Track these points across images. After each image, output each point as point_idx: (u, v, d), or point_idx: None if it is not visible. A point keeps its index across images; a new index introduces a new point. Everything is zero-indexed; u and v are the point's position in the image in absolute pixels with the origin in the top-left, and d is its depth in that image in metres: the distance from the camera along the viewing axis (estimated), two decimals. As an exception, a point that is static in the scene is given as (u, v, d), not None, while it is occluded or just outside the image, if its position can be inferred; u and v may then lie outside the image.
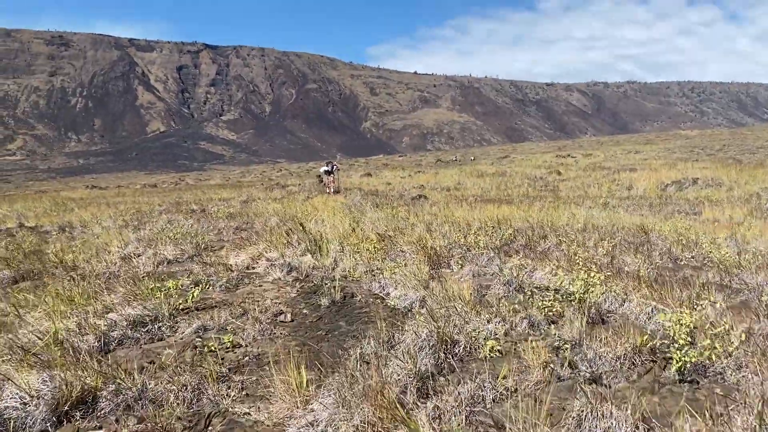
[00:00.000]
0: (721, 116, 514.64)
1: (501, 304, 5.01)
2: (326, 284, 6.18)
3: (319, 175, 36.04)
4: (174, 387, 3.75)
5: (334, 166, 28.91)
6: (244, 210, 18.31)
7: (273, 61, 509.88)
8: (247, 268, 7.59)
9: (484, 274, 6.62)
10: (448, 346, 4.20)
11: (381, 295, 5.95)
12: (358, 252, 7.47)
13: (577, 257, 6.50)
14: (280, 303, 5.60)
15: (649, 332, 4.28)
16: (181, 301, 5.47)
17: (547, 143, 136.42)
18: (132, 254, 8.41)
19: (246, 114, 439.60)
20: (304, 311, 5.36)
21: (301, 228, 8.36)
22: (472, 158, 72.94)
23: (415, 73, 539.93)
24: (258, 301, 5.64)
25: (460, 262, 7.13)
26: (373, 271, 6.84)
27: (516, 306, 5.01)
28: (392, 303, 5.49)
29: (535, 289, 5.69)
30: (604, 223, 12.94)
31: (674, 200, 21.58)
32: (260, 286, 6.50)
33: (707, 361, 3.78)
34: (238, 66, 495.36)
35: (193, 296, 5.54)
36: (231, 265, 7.61)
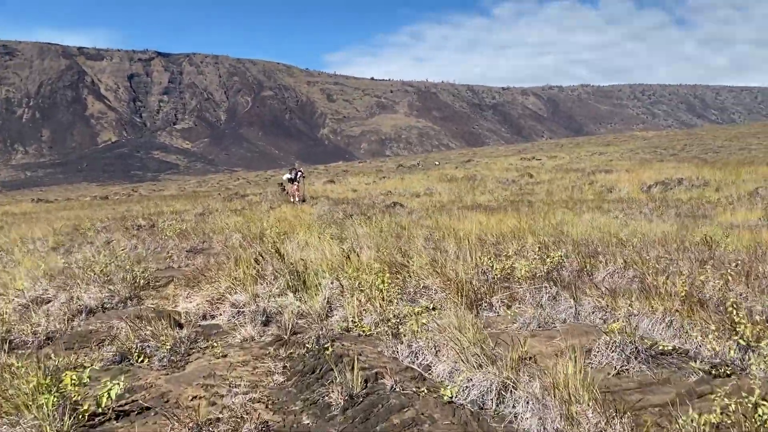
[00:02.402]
0: (671, 118, 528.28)
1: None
2: (327, 349, 4.04)
3: (281, 183, 33.66)
4: None
5: (298, 173, 26.53)
6: (200, 225, 15.89)
7: (227, 69, 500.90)
8: (204, 317, 5.38)
9: (552, 321, 4.58)
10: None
11: (419, 370, 3.84)
12: (360, 288, 5.33)
13: (678, 291, 4.52)
14: (259, 401, 3.41)
15: None
16: (86, 407, 3.23)
17: (506, 147, 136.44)
18: (39, 300, 6.05)
19: (201, 122, 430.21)
20: (306, 421, 3.19)
21: (276, 254, 6.16)
22: (437, 163, 71.38)
23: (372, 79, 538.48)
24: (222, 395, 3.44)
25: (506, 300, 5.06)
26: (389, 320, 4.72)
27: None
28: (448, 393, 3.38)
29: (659, 355, 3.66)
30: (635, 234, 11.09)
31: (671, 202, 20.07)
32: (224, 356, 4.31)
33: None
34: (191, 74, 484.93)
35: (108, 396, 3.28)
36: (180, 313, 5.38)
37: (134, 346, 4.30)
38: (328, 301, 5.32)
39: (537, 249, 6.90)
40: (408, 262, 6.25)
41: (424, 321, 4.41)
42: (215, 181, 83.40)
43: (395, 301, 5.12)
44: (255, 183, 61.89)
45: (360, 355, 3.93)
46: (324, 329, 4.53)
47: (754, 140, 62.36)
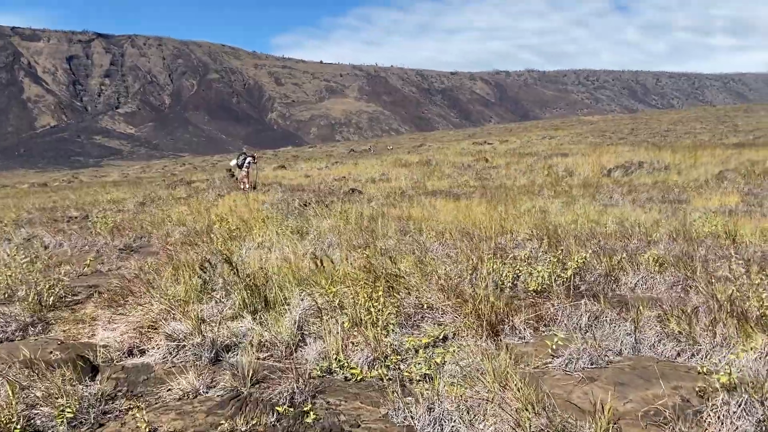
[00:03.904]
0: (614, 103, 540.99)
1: None
2: (307, 414, 2.75)
3: (230, 169, 31.89)
4: None
5: (249, 159, 24.80)
6: (139, 217, 14.23)
7: (171, 51, 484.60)
8: (131, 352, 3.97)
9: (605, 355, 3.40)
10: None
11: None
12: (342, 308, 4.03)
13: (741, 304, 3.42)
14: None
15: None
16: None
17: (456, 131, 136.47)
18: None
19: (144, 106, 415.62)
20: None
21: (226, 262, 4.77)
22: (390, 147, 70.32)
23: (321, 62, 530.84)
24: None
25: (532, 321, 3.86)
26: (387, 357, 3.46)
27: None
28: None
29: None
30: (623, 222, 10.12)
31: (639, 187, 19.42)
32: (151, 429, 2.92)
33: None
34: (134, 56, 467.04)
35: None
36: (98, 347, 3.97)
37: (14, 417, 2.88)
38: (299, 326, 4.01)
39: (544, 247, 5.74)
40: (398, 269, 4.98)
41: (438, 360, 3.17)
42: (160, 167, 79.90)
43: (391, 326, 3.86)
44: (202, 169, 59.31)
45: (357, 426, 2.66)
46: (299, 376, 3.21)
47: (697, 124, 63.73)
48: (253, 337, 3.94)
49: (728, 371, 2.62)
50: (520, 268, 5.02)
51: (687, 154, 29.27)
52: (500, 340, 3.75)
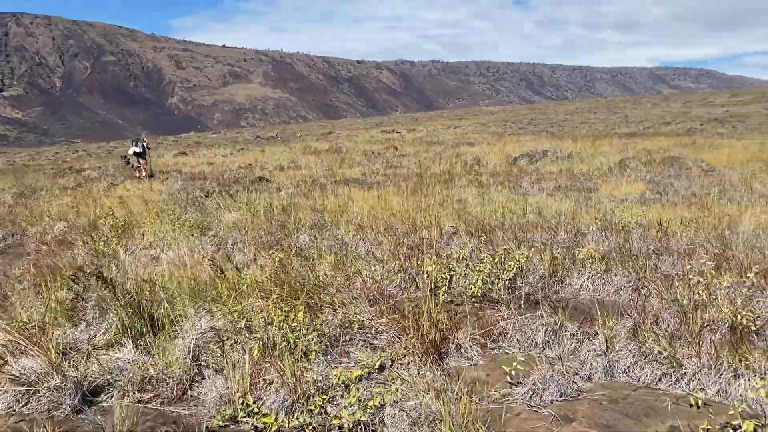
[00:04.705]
0: (513, 94, 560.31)
1: None
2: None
3: (125, 156, 29.75)
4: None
5: (146, 146, 23.15)
6: (15, 210, 12.64)
7: (62, 31, 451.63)
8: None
9: (573, 382, 2.83)
10: None
11: None
12: (250, 330, 3.23)
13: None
14: None
15: None
16: None
17: (363, 120, 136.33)
18: None
19: (32, 89, 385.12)
20: None
21: (97, 277, 3.81)
22: (299, 134, 68.96)
23: (224, 46, 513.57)
24: None
25: (478, 337, 3.25)
26: (310, 397, 2.71)
27: None
28: None
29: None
30: (541, 211, 9.86)
31: (545, 175, 19.58)
32: None
33: None
34: (19, 35, 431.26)
35: None
36: None
37: None
38: (194, 355, 3.18)
39: (474, 243, 5.17)
40: (317, 277, 4.21)
41: (376, 402, 2.48)
42: (51, 154, 73.95)
43: (314, 354, 3.10)
44: (97, 155, 55.33)
45: None
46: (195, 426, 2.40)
47: (591, 115, 66.88)
48: (133, 373, 3.08)
49: (760, 423, 2.09)
50: (455, 269, 4.41)
51: (587, 143, 30.22)
52: (446, 363, 3.11)
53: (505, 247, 4.66)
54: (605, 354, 3.04)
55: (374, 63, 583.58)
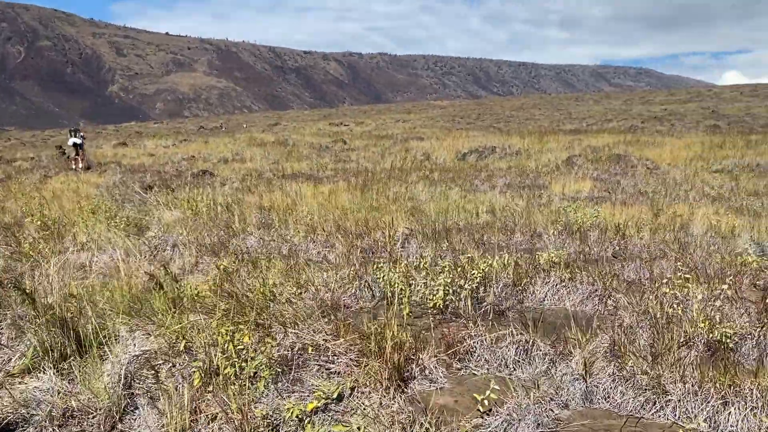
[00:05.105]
0: (460, 88, 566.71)
1: None
2: None
3: (61, 146, 28.41)
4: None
5: (83, 137, 22.15)
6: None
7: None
8: None
9: (550, 410, 2.59)
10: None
11: None
12: (190, 351, 2.87)
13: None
14: None
15: None
16: None
17: (311, 111, 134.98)
18: None
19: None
20: None
21: (16, 288, 3.33)
22: (245, 125, 67.51)
23: (167, 34, 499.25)
24: None
25: (444, 356, 2.98)
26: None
27: None
28: None
29: None
30: (495, 210, 9.72)
31: (495, 171, 19.61)
32: None
33: None
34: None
35: None
36: None
37: None
38: (125, 382, 2.78)
39: (427, 246, 4.91)
40: (266, 287, 3.85)
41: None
42: (-22, 142, 70.02)
43: (263, 381, 2.75)
44: (31, 144, 52.62)
45: None
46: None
47: (536, 111, 68.05)
48: (54, 405, 2.66)
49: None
50: (415, 277, 4.14)
51: (534, 140, 30.56)
52: (411, 388, 2.82)
53: (468, 255, 4.42)
54: (583, 378, 2.82)
55: (322, 54, 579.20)
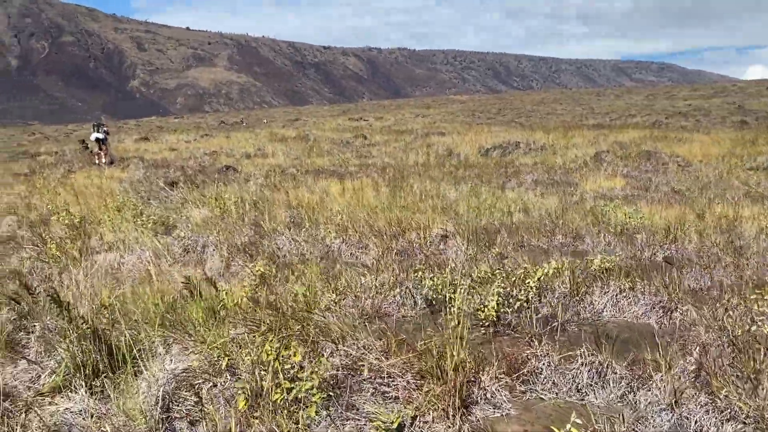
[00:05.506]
0: (479, 83, 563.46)
1: None
2: None
3: (84, 141, 28.53)
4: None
5: (107, 131, 22.19)
6: (-42, 200, 11.67)
7: (18, 9, 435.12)
8: None
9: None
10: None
11: None
12: (233, 371, 2.63)
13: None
14: None
15: None
16: None
17: (330, 107, 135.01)
18: None
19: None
20: None
21: (51, 299, 3.14)
22: (265, 121, 67.66)
23: (188, 29, 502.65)
24: None
25: (505, 378, 2.71)
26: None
27: None
28: None
29: None
30: (532, 211, 9.39)
31: (521, 168, 19.21)
32: None
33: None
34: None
35: None
36: None
37: None
38: (164, 405, 2.57)
39: (468, 248, 4.64)
40: (308, 296, 3.61)
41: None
42: (6, 137, 71.06)
43: (314, 406, 2.51)
44: (54, 139, 53.14)
45: None
46: None
47: (557, 105, 67.12)
48: (87, 429, 2.45)
49: None
50: (461, 284, 3.87)
51: (559, 135, 29.97)
52: (473, 414, 2.56)
53: (514, 259, 4.13)
54: (672, 408, 2.54)
55: (341, 49, 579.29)
